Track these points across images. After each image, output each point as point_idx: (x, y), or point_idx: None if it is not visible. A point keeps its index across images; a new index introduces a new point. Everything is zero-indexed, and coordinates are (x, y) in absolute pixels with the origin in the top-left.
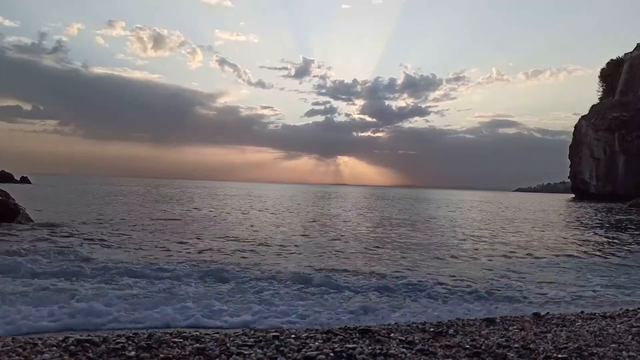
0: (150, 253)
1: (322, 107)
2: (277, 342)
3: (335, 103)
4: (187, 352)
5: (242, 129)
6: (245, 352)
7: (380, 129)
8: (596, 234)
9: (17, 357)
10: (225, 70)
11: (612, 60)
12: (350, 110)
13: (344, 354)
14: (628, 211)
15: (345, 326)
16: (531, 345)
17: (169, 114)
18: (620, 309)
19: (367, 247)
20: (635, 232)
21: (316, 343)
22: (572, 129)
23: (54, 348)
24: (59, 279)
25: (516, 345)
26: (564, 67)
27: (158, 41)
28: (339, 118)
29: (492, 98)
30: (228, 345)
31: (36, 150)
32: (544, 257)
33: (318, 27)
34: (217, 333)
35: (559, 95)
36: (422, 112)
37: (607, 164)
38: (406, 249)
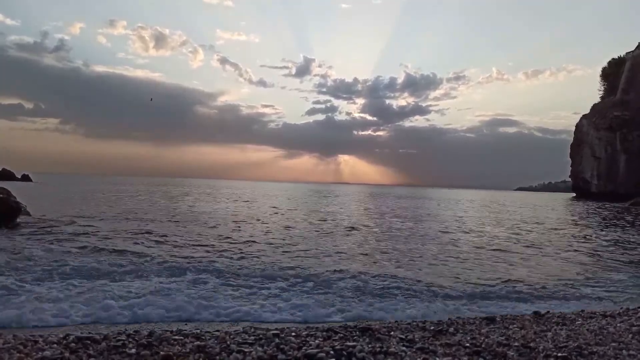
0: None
1: (322, 106)
2: (277, 340)
3: (336, 102)
4: (188, 350)
5: (242, 127)
6: (246, 350)
7: (381, 127)
8: (596, 232)
9: (18, 354)
10: (226, 69)
11: (613, 59)
12: (351, 109)
13: (344, 352)
14: (628, 210)
15: (346, 324)
16: (531, 344)
17: (169, 112)
18: (621, 308)
19: None
20: (634, 231)
21: (316, 341)
22: (573, 128)
23: (55, 345)
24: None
25: (516, 344)
26: (563, 67)
27: (159, 40)
28: (340, 117)
29: (493, 97)
30: (228, 342)
31: (37, 148)
32: (549, 256)
33: (319, 27)
34: (218, 331)
35: (559, 95)
36: (422, 111)
37: (608, 163)
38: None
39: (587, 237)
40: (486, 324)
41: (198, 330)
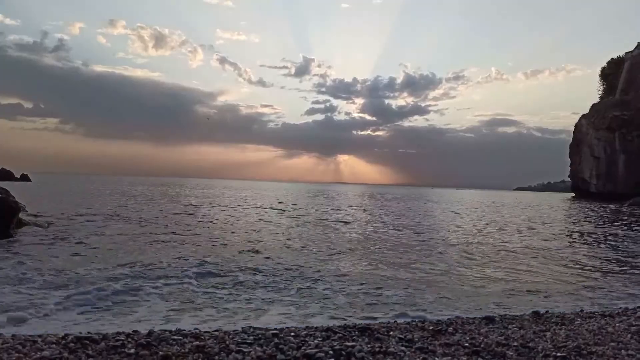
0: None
1: (322, 106)
2: (276, 340)
3: (335, 102)
4: (187, 350)
5: (242, 127)
6: (245, 350)
7: (380, 127)
8: (593, 232)
9: (17, 355)
10: (225, 69)
11: (612, 59)
12: (350, 108)
13: (343, 352)
14: (627, 210)
15: (345, 324)
16: (530, 344)
17: (169, 112)
18: (620, 308)
19: None
20: (632, 232)
21: (315, 341)
22: (572, 128)
23: (54, 345)
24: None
25: (515, 344)
26: (563, 67)
27: (159, 40)
28: (339, 117)
29: (492, 97)
30: (227, 343)
31: (37, 148)
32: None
33: (318, 26)
34: (217, 331)
35: (558, 95)
36: (421, 111)
37: (607, 163)
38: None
39: (586, 237)
40: (485, 324)
41: (197, 330)
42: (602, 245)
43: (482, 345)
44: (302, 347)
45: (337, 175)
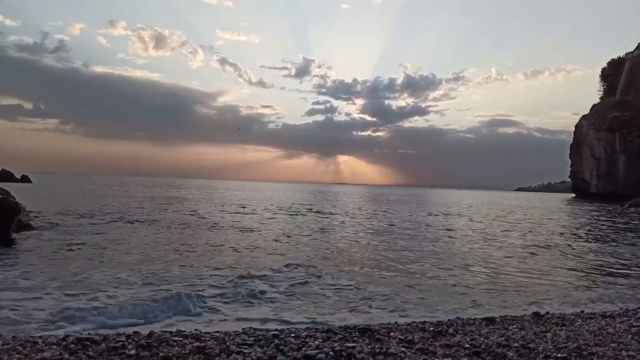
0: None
1: (322, 107)
2: (277, 341)
3: (336, 102)
4: (187, 351)
5: (242, 127)
6: (245, 351)
7: (380, 128)
8: (594, 233)
9: (17, 356)
10: (226, 69)
11: (613, 59)
12: (350, 109)
13: (343, 353)
14: (627, 211)
15: (345, 325)
16: (531, 345)
17: (169, 112)
18: (620, 309)
19: None
20: (632, 232)
21: (316, 342)
22: (572, 129)
23: (54, 346)
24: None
25: (516, 345)
26: (563, 67)
27: (159, 41)
28: (339, 117)
29: (492, 98)
30: (228, 344)
31: (37, 149)
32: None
33: (318, 27)
34: (217, 332)
35: (558, 95)
36: (422, 111)
37: (608, 164)
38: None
39: (585, 238)
40: (486, 325)
41: (198, 331)
42: (602, 246)
43: (482, 346)
44: (303, 348)
45: (337, 176)
